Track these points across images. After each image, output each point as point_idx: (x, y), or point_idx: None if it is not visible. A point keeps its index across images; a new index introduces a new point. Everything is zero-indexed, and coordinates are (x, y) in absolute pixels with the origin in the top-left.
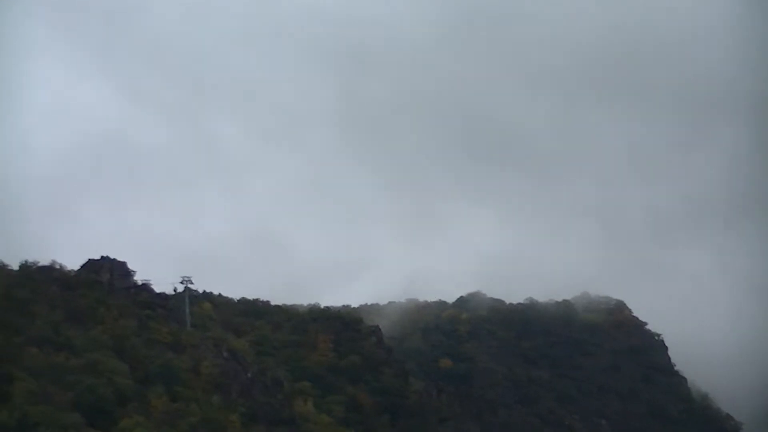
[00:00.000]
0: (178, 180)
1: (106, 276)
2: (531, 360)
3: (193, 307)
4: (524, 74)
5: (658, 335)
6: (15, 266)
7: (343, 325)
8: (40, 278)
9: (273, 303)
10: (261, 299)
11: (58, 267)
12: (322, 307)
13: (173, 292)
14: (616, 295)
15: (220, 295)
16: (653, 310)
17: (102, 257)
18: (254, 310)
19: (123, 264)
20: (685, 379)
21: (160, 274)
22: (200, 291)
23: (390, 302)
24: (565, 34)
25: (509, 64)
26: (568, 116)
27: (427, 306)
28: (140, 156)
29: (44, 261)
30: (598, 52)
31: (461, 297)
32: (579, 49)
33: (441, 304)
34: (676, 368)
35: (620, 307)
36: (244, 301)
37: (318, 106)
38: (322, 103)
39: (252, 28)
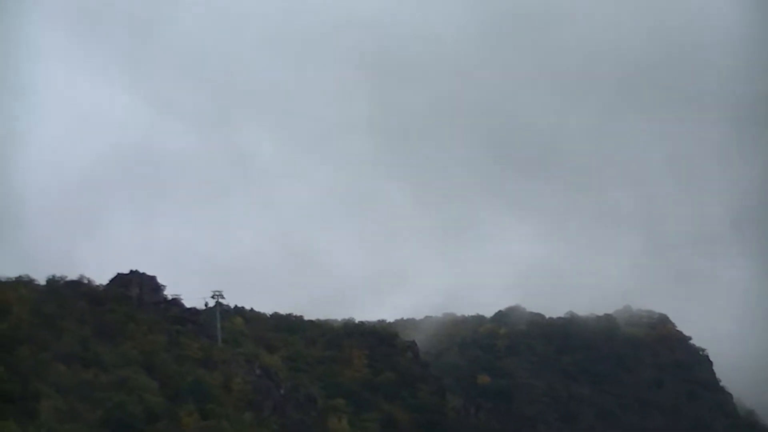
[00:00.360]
0: (209, 191)
1: (136, 291)
2: (571, 375)
3: (225, 322)
4: (561, 81)
5: (703, 350)
6: (42, 281)
7: (378, 341)
8: (68, 293)
9: (306, 318)
10: (294, 314)
11: (86, 282)
12: (356, 321)
13: (204, 307)
14: (659, 308)
15: (251, 309)
16: (697, 324)
17: (131, 271)
18: (287, 325)
19: (152, 278)
20: (730, 395)
21: (190, 289)
22: (231, 306)
23: (426, 317)
24: (603, 40)
25: (545, 70)
26: (606, 124)
27: (464, 320)
28: (169, 167)
29: (72, 276)
30: (637, 58)
31: (499, 311)
32: (618, 55)
33: (479, 319)
34: (721, 384)
35: (663, 321)
36: (276, 316)
37: (351, 115)
38: (355, 112)
39: (284, 35)
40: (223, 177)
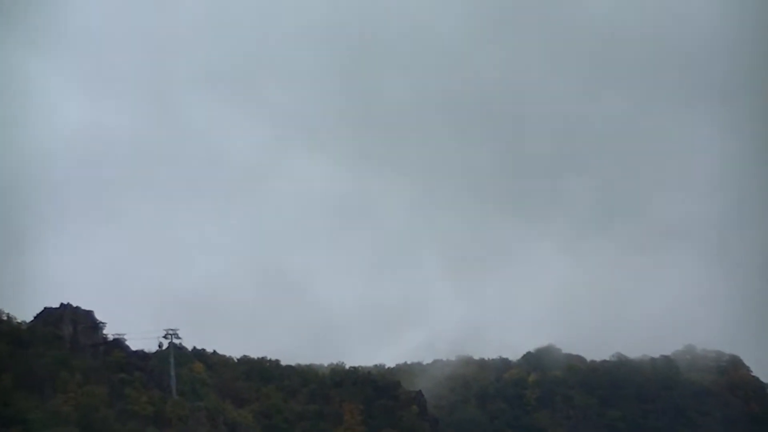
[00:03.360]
0: (162, 203)
1: (68, 329)
2: None
3: (181, 369)
4: (583, 72)
5: None
6: None
7: (375, 391)
8: None
9: (284, 363)
10: (269, 358)
11: (5, 318)
12: (347, 367)
13: (155, 350)
14: (730, 349)
15: (215, 353)
16: None
17: (62, 305)
18: (260, 371)
19: (89, 314)
20: None
21: (137, 327)
22: (190, 348)
23: (436, 360)
24: (632, 29)
25: (565, 61)
26: (641, 121)
27: (483, 365)
28: (113, 167)
29: None
30: (668, 48)
31: (528, 353)
32: (648, 47)
33: (502, 363)
34: None
35: (735, 365)
36: (246, 361)
37: (343, 111)
38: (346, 107)
39: (267, 26)
40: (181, 182)
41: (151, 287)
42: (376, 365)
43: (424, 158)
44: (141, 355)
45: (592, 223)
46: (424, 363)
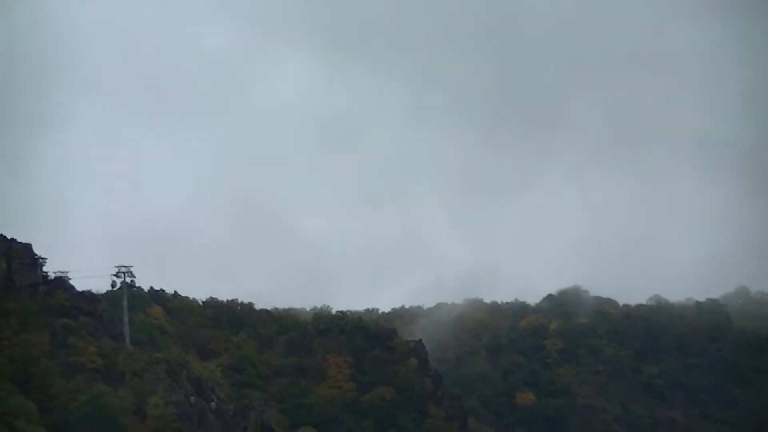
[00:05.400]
0: (114, 116)
1: (1, 266)
2: (659, 393)
3: (136, 314)
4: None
5: None
6: None
7: (366, 340)
8: None
9: (259, 307)
10: (240, 301)
11: None
12: (334, 312)
13: (105, 291)
14: None
15: (176, 295)
16: None
17: None
18: (230, 317)
19: (26, 247)
20: None
21: (84, 264)
22: (146, 289)
23: (439, 304)
24: None
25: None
26: (658, 32)
27: (496, 310)
28: (57, 74)
29: None
30: None
31: (550, 296)
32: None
33: (518, 307)
34: None
35: None
36: (214, 305)
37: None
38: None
39: None
40: (137, 91)
41: (101, 217)
42: (367, 310)
43: (418, 68)
44: (88, 297)
45: (612, 143)
46: (426, 307)
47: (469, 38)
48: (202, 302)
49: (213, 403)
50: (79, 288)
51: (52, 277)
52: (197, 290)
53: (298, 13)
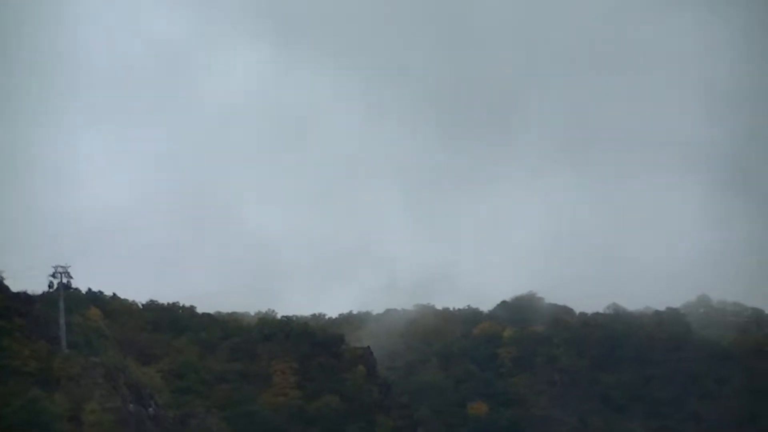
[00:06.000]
0: (47, 102)
1: None
2: (617, 404)
3: (73, 316)
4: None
5: None
6: None
7: (313, 346)
8: None
9: (201, 310)
10: (182, 304)
11: None
12: (279, 317)
13: (41, 292)
14: (753, 302)
15: (115, 297)
16: None
17: None
18: (171, 321)
19: None
20: None
21: (19, 263)
22: (84, 290)
23: (389, 310)
24: None
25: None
26: (625, 24)
27: (448, 317)
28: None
29: None
30: None
31: (504, 302)
32: None
33: (471, 314)
34: None
35: (759, 321)
36: (154, 307)
37: None
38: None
39: None
40: (71, 76)
41: (36, 213)
42: (314, 315)
43: (372, 64)
44: (23, 297)
45: (572, 144)
46: (375, 313)
47: (425, 34)
48: (142, 305)
49: (152, 410)
50: (13, 288)
51: None
52: (137, 292)
53: (250, 3)
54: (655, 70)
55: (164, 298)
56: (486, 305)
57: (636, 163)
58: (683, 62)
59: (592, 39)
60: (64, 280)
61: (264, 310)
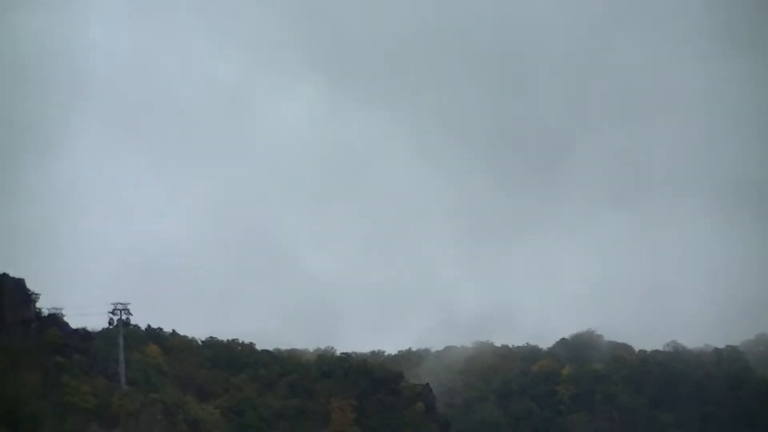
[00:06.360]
0: (109, 148)
1: None
2: None
3: (132, 353)
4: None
5: None
6: None
7: (372, 384)
8: None
9: (260, 347)
10: (241, 341)
11: None
12: (338, 354)
13: (100, 329)
14: None
15: (174, 333)
16: None
17: None
18: (230, 357)
19: (19, 282)
20: None
21: (79, 300)
22: (143, 327)
23: (447, 347)
24: None
25: None
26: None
27: (507, 354)
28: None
29: None
30: None
31: (563, 340)
32: None
33: (530, 352)
34: None
35: None
36: (213, 344)
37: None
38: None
39: None
40: (131, 120)
41: (97, 252)
42: (373, 352)
43: (423, 106)
44: (83, 334)
45: (624, 185)
46: (434, 350)
47: (475, 77)
48: (201, 341)
49: None
50: (73, 325)
51: (46, 314)
52: (196, 329)
53: (302, 47)
54: (704, 112)
55: (223, 335)
56: (545, 343)
57: (687, 203)
58: (732, 101)
59: (642, 82)
60: (124, 317)
61: (323, 347)
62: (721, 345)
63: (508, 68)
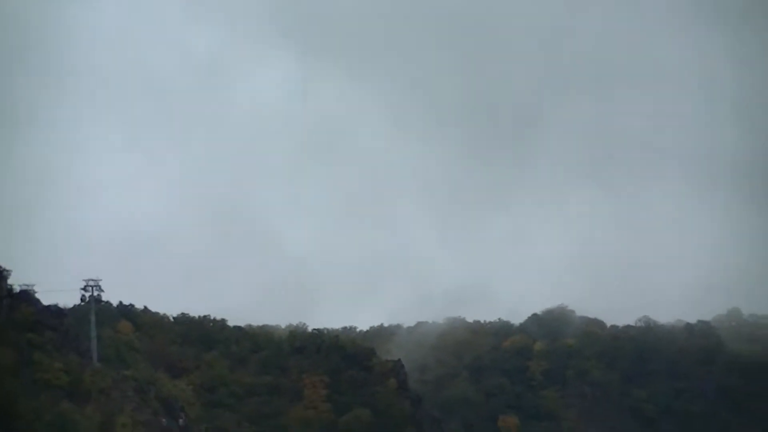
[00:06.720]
0: (79, 119)
1: None
2: (648, 418)
3: (104, 330)
4: None
5: None
6: None
7: (344, 360)
8: None
9: (232, 323)
10: (212, 317)
11: None
12: (310, 330)
13: (72, 305)
14: None
15: (146, 310)
16: None
17: None
18: (202, 334)
19: None
20: None
21: (50, 277)
22: (115, 303)
23: (419, 323)
24: None
25: None
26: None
27: (478, 330)
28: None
29: None
30: None
31: (534, 315)
32: None
33: (502, 327)
34: None
35: None
36: (185, 321)
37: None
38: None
39: None
40: (102, 90)
41: (69, 228)
42: (345, 328)
43: (398, 78)
44: (54, 311)
45: (596, 158)
46: (405, 326)
47: (448, 47)
48: (173, 318)
49: (182, 423)
50: (45, 302)
51: (17, 291)
52: (168, 305)
53: (275, 17)
54: (678, 83)
55: (195, 311)
56: (517, 318)
57: (661, 176)
58: (708, 75)
59: (614, 53)
60: (95, 294)
61: (295, 323)
62: (693, 320)
63: (481, 38)
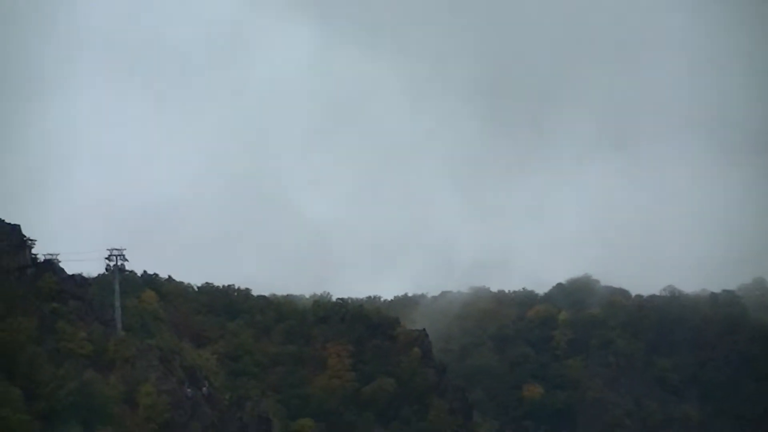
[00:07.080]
0: (104, 94)
1: None
2: (672, 387)
3: (128, 299)
4: None
5: None
6: None
7: (368, 329)
8: None
9: (256, 293)
10: (237, 287)
11: None
12: (334, 299)
13: (96, 275)
14: None
15: (170, 279)
16: None
17: None
18: (226, 304)
19: (14, 228)
20: None
21: (75, 246)
22: (139, 273)
23: (444, 292)
24: None
25: None
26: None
27: (503, 299)
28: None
29: None
30: None
31: (559, 285)
32: None
33: (526, 297)
34: None
35: None
36: (209, 290)
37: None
38: None
39: None
40: (127, 66)
41: (92, 198)
42: (369, 297)
43: (418, 49)
44: (78, 280)
45: (620, 129)
46: (430, 296)
47: (467, 20)
48: (197, 287)
49: (206, 392)
50: (69, 271)
51: (41, 260)
52: (192, 275)
53: None
54: (699, 53)
55: (219, 281)
56: (541, 288)
57: (684, 146)
58: (730, 45)
59: (633, 24)
60: (120, 263)
61: (319, 292)
62: (717, 289)
63: (501, 10)
